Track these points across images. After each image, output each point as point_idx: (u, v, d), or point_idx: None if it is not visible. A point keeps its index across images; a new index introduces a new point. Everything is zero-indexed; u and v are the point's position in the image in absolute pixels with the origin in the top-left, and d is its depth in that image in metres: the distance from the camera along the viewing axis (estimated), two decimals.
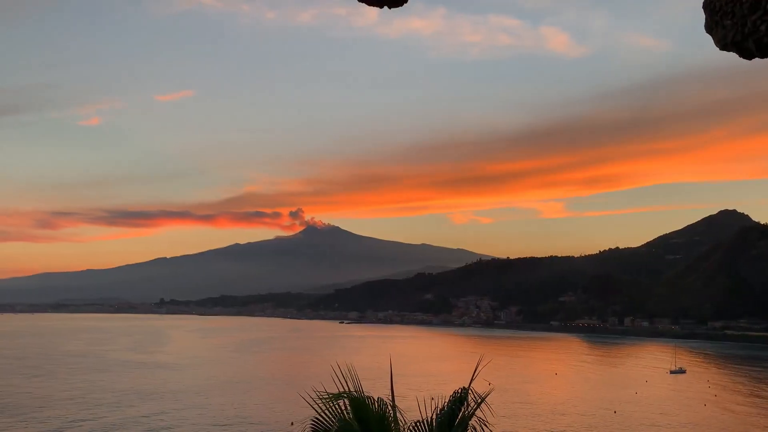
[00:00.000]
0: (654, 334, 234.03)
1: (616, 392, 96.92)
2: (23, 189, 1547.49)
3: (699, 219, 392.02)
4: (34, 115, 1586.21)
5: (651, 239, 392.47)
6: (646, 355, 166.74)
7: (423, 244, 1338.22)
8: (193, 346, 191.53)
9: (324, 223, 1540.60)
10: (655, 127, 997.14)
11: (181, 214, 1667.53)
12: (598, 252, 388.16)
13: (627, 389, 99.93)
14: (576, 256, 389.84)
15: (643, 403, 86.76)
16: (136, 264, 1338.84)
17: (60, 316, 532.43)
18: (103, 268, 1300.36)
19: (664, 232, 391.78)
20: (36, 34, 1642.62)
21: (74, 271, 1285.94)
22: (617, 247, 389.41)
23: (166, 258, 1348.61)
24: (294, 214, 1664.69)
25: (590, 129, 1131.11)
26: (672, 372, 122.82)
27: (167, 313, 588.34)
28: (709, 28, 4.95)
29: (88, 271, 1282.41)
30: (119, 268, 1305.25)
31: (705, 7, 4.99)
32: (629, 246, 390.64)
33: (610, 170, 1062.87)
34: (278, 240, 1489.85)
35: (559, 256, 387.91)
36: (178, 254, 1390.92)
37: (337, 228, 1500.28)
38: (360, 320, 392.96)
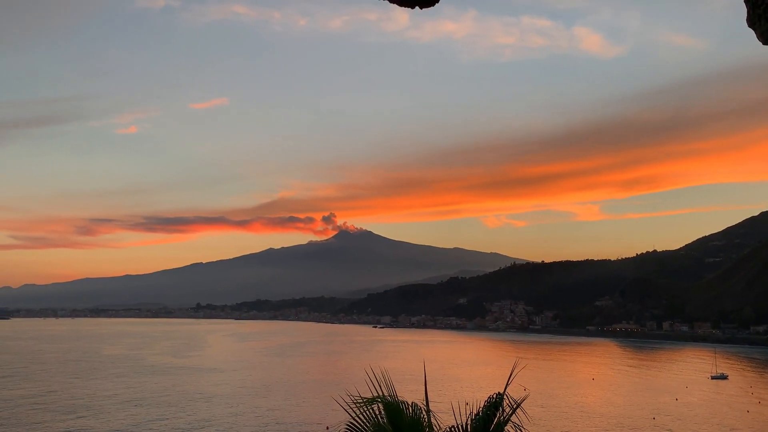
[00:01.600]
0: (693, 339, 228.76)
1: (654, 398, 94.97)
2: (63, 196, 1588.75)
3: (740, 220, 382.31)
4: (73, 124, 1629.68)
5: (690, 242, 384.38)
6: (686, 360, 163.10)
7: (456, 248, 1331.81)
8: (230, 350, 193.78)
9: (356, 228, 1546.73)
10: (693, 127, 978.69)
11: (217, 220, 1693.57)
12: (635, 255, 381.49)
13: (666, 395, 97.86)
14: (613, 259, 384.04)
15: (684, 410, 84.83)
16: (173, 269, 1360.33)
17: (100, 320, 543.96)
18: (140, 273, 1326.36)
19: (704, 234, 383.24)
20: (74, 46, 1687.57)
21: (113, 276, 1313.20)
22: (655, 250, 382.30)
23: (202, 263, 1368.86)
24: (327, 219, 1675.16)
25: (627, 130, 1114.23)
26: (713, 377, 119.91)
27: (204, 317, 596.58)
28: (752, 21, 4.65)
29: (126, 276, 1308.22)
30: (156, 273, 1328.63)
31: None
32: (667, 249, 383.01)
33: (648, 171, 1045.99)
34: (311, 245, 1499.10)
35: (596, 259, 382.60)
36: (214, 259, 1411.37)
37: (370, 232, 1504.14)
38: (393, 324, 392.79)
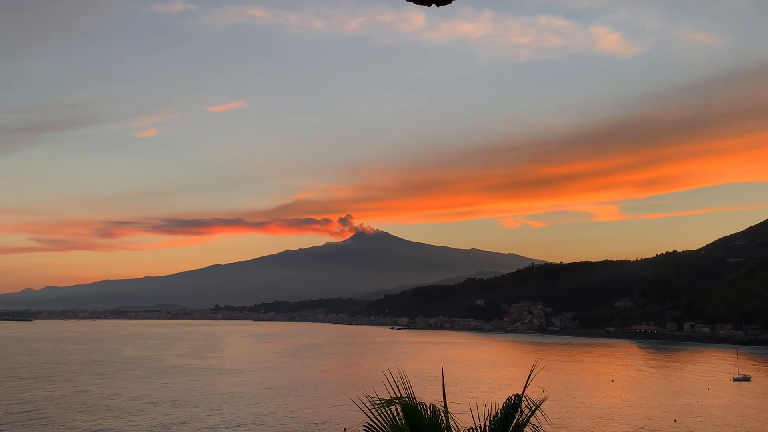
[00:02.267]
0: (715, 340, 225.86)
1: (675, 400, 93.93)
2: (84, 199, 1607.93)
3: (761, 220, 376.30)
4: (93, 128, 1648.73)
5: (710, 242, 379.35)
6: (707, 361, 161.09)
7: (473, 249, 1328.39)
8: (249, 352, 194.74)
9: (373, 229, 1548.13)
10: (714, 125, 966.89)
11: (235, 222, 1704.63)
12: (654, 256, 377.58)
13: (687, 397, 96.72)
14: (632, 260, 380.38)
15: (706, 412, 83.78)
16: (192, 271, 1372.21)
17: (120, 322, 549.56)
18: (160, 275, 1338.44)
19: (725, 234, 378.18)
20: (94, 51, 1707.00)
21: (133, 278, 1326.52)
22: (675, 251, 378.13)
23: (220, 265, 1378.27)
24: (343, 221, 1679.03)
25: (645, 129, 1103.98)
26: (735, 379, 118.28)
27: (222, 318, 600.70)
28: None
29: (146, 278, 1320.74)
30: (175, 275, 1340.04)
31: None
32: (687, 249, 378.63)
33: (667, 171, 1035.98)
34: (328, 246, 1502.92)
35: (614, 260, 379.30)
36: (232, 261, 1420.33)
37: (386, 234, 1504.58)
38: (410, 326, 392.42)
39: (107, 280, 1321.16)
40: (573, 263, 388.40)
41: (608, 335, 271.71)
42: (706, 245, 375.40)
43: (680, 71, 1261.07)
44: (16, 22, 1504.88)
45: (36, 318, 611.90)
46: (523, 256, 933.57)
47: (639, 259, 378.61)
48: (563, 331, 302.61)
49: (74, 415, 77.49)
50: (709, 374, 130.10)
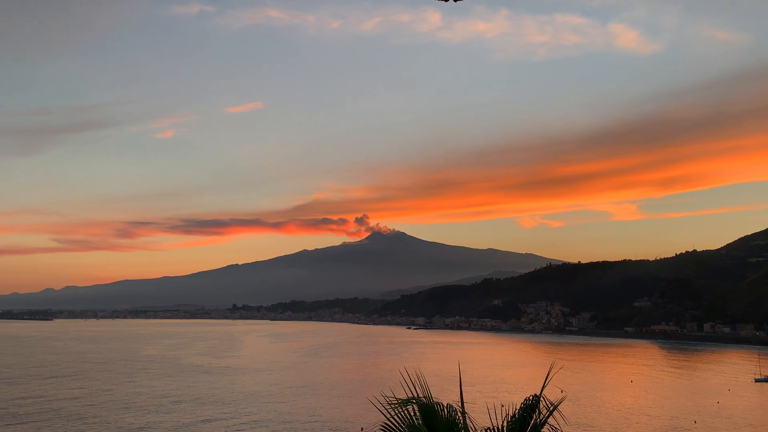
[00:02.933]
0: (736, 341, 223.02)
1: (695, 401, 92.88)
2: (103, 200, 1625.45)
3: None
4: (112, 129, 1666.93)
5: (731, 241, 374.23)
6: (728, 362, 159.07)
7: (490, 249, 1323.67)
8: (265, 351, 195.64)
9: (389, 229, 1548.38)
10: (734, 123, 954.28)
11: (252, 222, 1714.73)
12: (674, 255, 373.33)
13: (708, 398, 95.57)
14: (651, 259, 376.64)
15: (727, 414, 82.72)
16: (210, 271, 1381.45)
17: (139, 321, 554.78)
18: (178, 275, 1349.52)
19: (746, 234, 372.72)
20: (113, 54, 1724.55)
21: (151, 278, 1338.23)
22: (695, 250, 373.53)
23: (238, 265, 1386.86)
24: (360, 221, 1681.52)
25: (664, 127, 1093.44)
26: (757, 380, 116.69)
27: (240, 318, 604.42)
28: None
29: (164, 278, 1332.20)
30: (193, 275, 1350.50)
31: None
32: (708, 249, 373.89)
33: (687, 170, 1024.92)
34: (345, 246, 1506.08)
35: (633, 260, 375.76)
36: (249, 261, 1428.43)
37: (403, 233, 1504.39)
38: (427, 326, 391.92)
39: (126, 280, 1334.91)
40: (591, 263, 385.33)
41: (627, 335, 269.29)
42: (727, 245, 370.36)
43: (699, 68, 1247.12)
44: (38, 27, 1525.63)
45: (56, 317, 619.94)
46: (540, 256, 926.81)
47: (658, 258, 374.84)
48: (581, 332, 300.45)
49: (103, 414, 78.34)
50: (730, 375, 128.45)
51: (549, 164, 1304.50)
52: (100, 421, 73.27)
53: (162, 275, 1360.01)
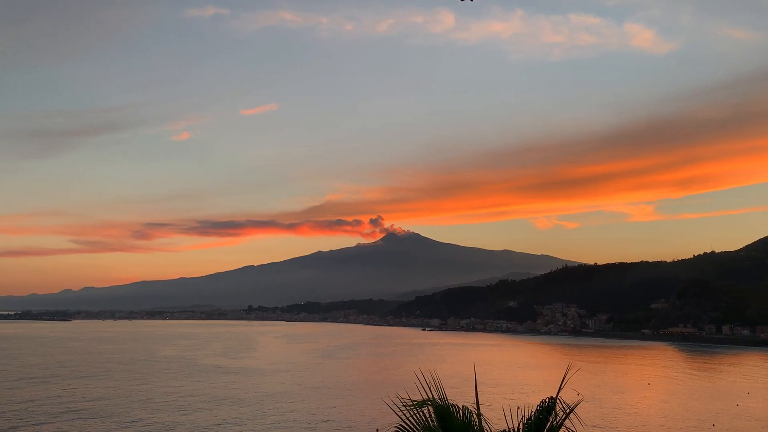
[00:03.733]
0: (756, 343, 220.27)
1: (714, 404, 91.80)
2: (120, 202, 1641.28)
3: None
4: (128, 132, 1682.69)
5: (751, 242, 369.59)
6: (748, 364, 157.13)
7: (505, 250, 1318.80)
8: (281, 352, 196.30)
9: (404, 230, 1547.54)
10: (752, 123, 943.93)
11: (267, 224, 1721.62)
12: (692, 256, 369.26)
13: (727, 401, 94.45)
14: (668, 261, 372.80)
15: (746, 416, 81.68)
16: (225, 272, 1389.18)
17: (156, 322, 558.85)
18: (194, 276, 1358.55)
19: (765, 235, 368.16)
20: (129, 57, 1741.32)
21: (168, 279, 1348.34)
22: (713, 251, 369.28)
23: (253, 266, 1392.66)
24: (374, 222, 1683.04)
25: (682, 128, 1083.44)
26: None
27: (255, 319, 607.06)
28: None
29: (181, 279, 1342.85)
30: (209, 276, 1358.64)
31: None
32: (726, 250, 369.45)
33: (705, 170, 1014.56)
34: (359, 247, 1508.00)
35: (650, 261, 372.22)
36: (265, 262, 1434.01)
37: (418, 235, 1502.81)
38: (442, 327, 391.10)
39: (143, 281, 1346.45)
40: (607, 264, 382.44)
41: (644, 337, 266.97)
42: (746, 246, 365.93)
43: (717, 68, 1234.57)
44: (56, 33, 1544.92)
45: (74, 318, 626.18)
46: (556, 257, 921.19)
47: (675, 260, 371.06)
48: (598, 333, 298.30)
49: (124, 412, 79.03)
50: (750, 378, 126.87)
51: (564, 165, 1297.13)
52: (122, 420, 73.92)
53: (178, 276, 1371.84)
